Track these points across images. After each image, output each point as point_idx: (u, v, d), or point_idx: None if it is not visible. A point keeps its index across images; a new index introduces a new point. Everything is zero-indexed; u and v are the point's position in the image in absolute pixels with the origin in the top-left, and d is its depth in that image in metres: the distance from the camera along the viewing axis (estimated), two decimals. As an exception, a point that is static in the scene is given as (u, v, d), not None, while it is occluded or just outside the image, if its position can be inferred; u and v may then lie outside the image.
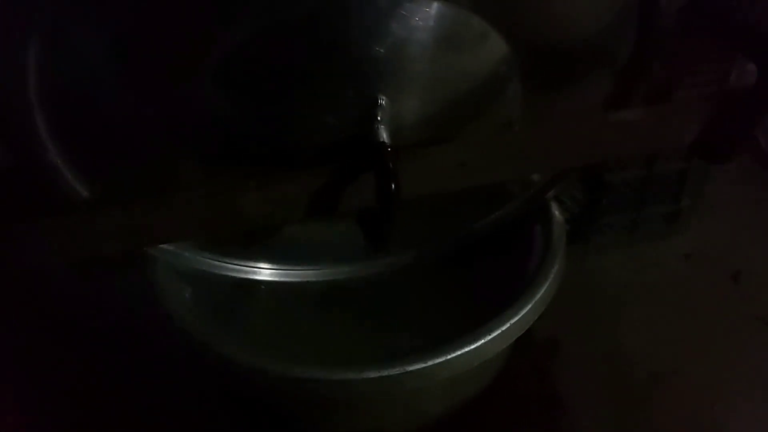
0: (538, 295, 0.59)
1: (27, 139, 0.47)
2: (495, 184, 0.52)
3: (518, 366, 0.89)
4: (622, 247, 1.05)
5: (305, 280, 0.70)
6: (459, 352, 0.53)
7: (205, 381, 0.70)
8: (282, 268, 0.69)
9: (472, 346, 0.54)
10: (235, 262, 0.67)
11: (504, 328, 0.55)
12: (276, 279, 0.69)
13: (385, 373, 0.52)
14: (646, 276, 1.03)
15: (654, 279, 1.04)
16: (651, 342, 0.91)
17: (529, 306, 0.57)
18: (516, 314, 0.56)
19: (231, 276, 0.67)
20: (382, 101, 0.46)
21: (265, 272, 0.69)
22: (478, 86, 0.50)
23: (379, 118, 0.46)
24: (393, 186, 0.44)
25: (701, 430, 0.82)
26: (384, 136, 0.46)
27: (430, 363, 0.53)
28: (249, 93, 0.47)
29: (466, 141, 0.49)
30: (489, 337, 0.54)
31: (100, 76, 0.46)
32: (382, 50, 0.45)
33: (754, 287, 0.98)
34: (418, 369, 0.52)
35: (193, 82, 0.47)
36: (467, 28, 0.46)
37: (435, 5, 0.44)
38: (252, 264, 0.68)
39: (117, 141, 0.51)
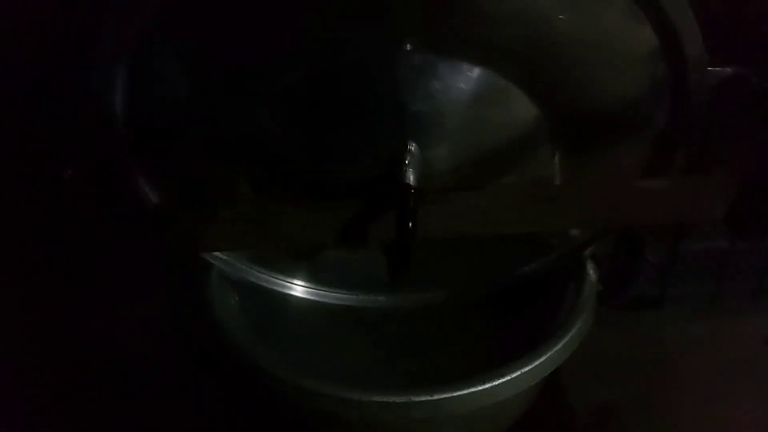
0: (553, 350, 0.60)
1: (112, 149, 0.56)
2: (517, 236, 0.55)
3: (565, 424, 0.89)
4: (700, 320, 1.01)
5: (343, 303, 0.75)
6: (465, 392, 0.56)
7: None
8: (323, 289, 0.75)
9: (478, 388, 0.56)
10: (280, 277, 0.73)
11: (513, 375, 0.57)
12: (316, 299, 0.74)
13: (391, 399, 0.55)
14: (721, 354, 1.00)
15: (728, 358, 1.01)
16: (711, 423, 0.87)
17: (542, 359, 0.59)
18: (527, 365, 0.58)
19: (275, 290, 0.73)
20: (412, 147, 0.51)
21: (307, 291, 0.74)
22: (508, 144, 0.54)
23: (407, 162, 0.50)
24: (410, 224, 0.48)
25: None
26: (411, 178, 0.50)
27: (435, 397, 0.56)
28: (297, 126, 0.54)
29: (488, 191, 0.52)
30: (496, 382, 0.56)
31: (177, 100, 0.54)
32: (416, 103, 0.50)
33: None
34: (424, 400, 0.55)
35: (253, 110, 0.54)
36: (502, 93, 0.50)
37: (476, 71, 0.49)
38: (296, 281, 0.74)
39: (187, 156, 0.59)
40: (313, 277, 0.74)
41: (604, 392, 0.94)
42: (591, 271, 0.69)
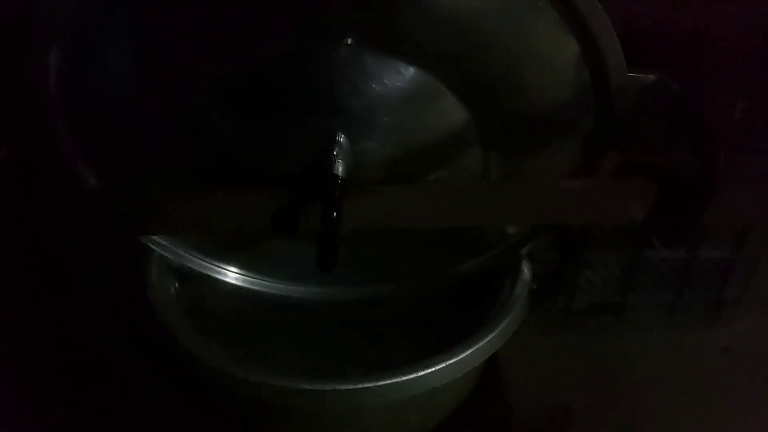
0: (479, 344, 0.62)
1: (48, 134, 0.56)
2: (447, 229, 0.56)
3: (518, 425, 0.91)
4: (659, 328, 1.04)
5: (278, 293, 0.76)
6: (387, 381, 0.58)
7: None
8: (260, 278, 0.75)
9: (401, 378, 0.58)
10: (219, 265, 0.73)
11: (439, 366, 0.59)
12: (253, 287, 0.75)
13: (331, 387, 0.57)
14: (677, 363, 1.02)
15: (684, 367, 1.03)
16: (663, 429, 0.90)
17: (468, 351, 0.61)
18: (454, 356, 0.60)
19: (213, 276, 0.73)
20: (341, 139, 0.52)
21: (244, 279, 0.75)
22: (437, 142, 0.56)
23: (335, 153, 0.52)
24: (334, 214, 0.49)
25: None
26: (339, 169, 0.51)
27: (359, 385, 0.57)
28: (231, 113, 0.55)
29: (416, 185, 0.54)
30: (421, 373, 0.58)
31: (114, 81, 0.55)
32: (349, 97, 0.51)
33: (792, 393, 0.94)
34: (346, 389, 0.57)
35: (189, 95, 0.54)
36: (433, 94, 0.52)
37: (410, 70, 0.51)
38: (234, 269, 0.74)
39: (123, 139, 0.59)
40: (250, 266, 0.74)
41: (560, 395, 0.96)
42: (525, 269, 0.71)
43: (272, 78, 0.51)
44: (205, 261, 0.72)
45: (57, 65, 0.51)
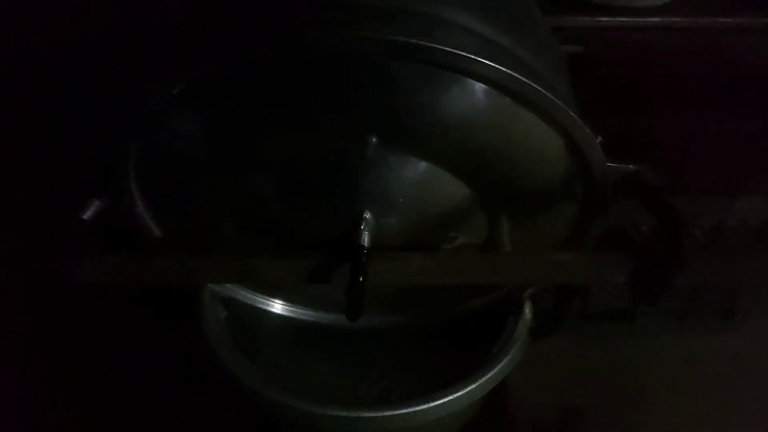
0: (483, 378, 0.72)
1: (125, 196, 0.68)
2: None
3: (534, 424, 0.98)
4: (670, 334, 1.12)
5: (317, 321, 0.87)
6: (406, 410, 0.68)
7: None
8: (300, 308, 0.87)
9: (418, 408, 0.69)
10: (263, 297, 0.85)
11: (444, 400, 0.69)
12: (293, 316, 0.86)
13: (343, 414, 0.68)
14: (688, 368, 1.09)
15: (694, 372, 1.10)
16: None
17: (473, 385, 0.71)
18: (460, 390, 0.70)
19: (258, 307, 0.85)
20: (367, 215, 0.64)
21: (286, 309, 0.86)
22: (447, 212, 0.67)
23: (362, 227, 0.63)
24: (361, 279, 0.60)
25: None
26: (365, 240, 0.62)
27: (380, 414, 0.68)
28: (281, 191, 0.66)
29: (427, 252, 0.65)
30: (429, 405, 0.69)
31: (184, 157, 0.66)
32: (373, 183, 0.63)
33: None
34: (370, 416, 0.68)
35: (248, 173, 0.66)
36: (440, 178, 0.63)
37: (421, 164, 0.62)
38: (276, 300, 0.86)
39: (188, 203, 0.71)
40: (290, 298, 0.85)
41: (571, 397, 1.04)
42: (527, 309, 0.80)
43: (313, 168, 0.63)
44: (249, 293, 0.84)
45: (137, 147, 0.63)
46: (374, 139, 0.59)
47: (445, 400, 0.69)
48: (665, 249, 0.59)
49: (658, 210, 0.60)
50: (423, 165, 0.62)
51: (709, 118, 0.94)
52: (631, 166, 0.62)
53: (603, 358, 1.09)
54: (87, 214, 0.68)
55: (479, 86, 0.56)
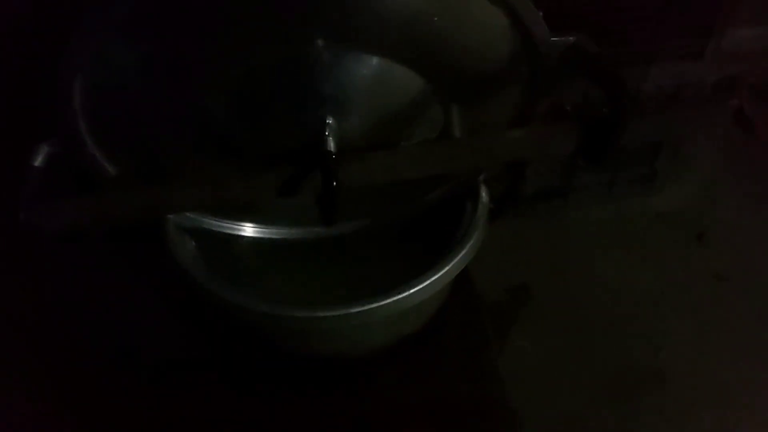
0: (452, 263, 0.76)
1: (72, 136, 0.65)
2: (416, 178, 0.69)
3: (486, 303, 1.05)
4: (600, 204, 1.16)
5: (283, 237, 0.89)
6: (386, 301, 0.72)
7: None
8: (265, 227, 0.88)
9: (393, 298, 0.73)
10: (227, 222, 0.85)
11: (418, 287, 0.73)
12: (260, 236, 0.88)
13: (331, 313, 0.72)
14: (618, 231, 1.14)
15: (624, 234, 1.16)
16: (614, 289, 1.03)
17: (444, 270, 0.75)
18: (432, 276, 0.75)
19: (224, 232, 0.86)
20: (330, 121, 0.64)
21: (251, 230, 0.88)
22: (405, 109, 0.68)
23: (326, 133, 0.64)
24: (334, 183, 0.62)
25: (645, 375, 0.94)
26: (331, 145, 0.63)
27: (367, 307, 0.72)
28: (236, 110, 0.66)
29: (394, 149, 0.67)
30: (406, 293, 0.73)
31: (129, 87, 0.64)
32: (330, 87, 0.63)
33: (715, 247, 1.10)
34: (357, 311, 0.72)
35: (198, 94, 0.64)
36: (395, 72, 0.64)
37: (374, 59, 0.62)
38: (242, 224, 0.87)
39: (140, 135, 0.69)
40: (257, 219, 0.87)
41: (519, 274, 1.10)
42: (483, 194, 0.84)
43: (268, 80, 0.62)
44: (215, 220, 0.84)
45: (80, 85, 0.61)
46: (321, 42, 0.59)
47: (430, 280, 0.73)
48: (609, 112, 0.63)
49: (600, 76, 0.64)
50: (376, 60, 0.62)
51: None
52: (570, 37, 0.65)
53: (541, 234, 1.14)
54: (38, 161, 0.65)
55: None
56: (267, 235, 0.88)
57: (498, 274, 1.07)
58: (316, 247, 0.90)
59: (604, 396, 0.91)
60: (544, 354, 0.95)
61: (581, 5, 0.75)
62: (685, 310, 1.01)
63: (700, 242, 1.13)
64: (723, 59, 1.26)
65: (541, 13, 0.61)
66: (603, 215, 1.16)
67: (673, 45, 1.17)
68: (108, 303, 0.97)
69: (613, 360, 0.94)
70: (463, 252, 0.77)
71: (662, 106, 1.24)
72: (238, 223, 0.86)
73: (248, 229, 0.87)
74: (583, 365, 0.94)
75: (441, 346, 0.96)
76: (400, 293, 0.72)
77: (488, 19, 0.61)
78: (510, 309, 1.04)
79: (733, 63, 1.25)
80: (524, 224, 1.13)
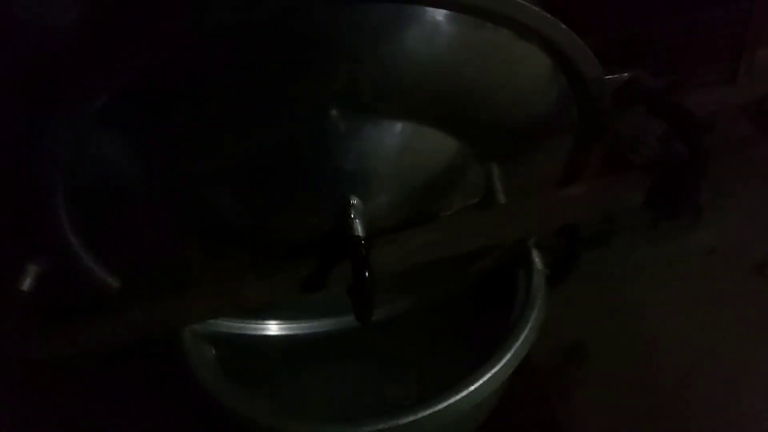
0: (512, 350, 0.65)
1: (62, 252, 0.57)
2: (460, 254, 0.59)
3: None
4: (646, 246, 1.08)
5: (313, 331, 0.78)
6: (443, 405, 0.61)
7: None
8: (292, 322, 0.78)
9: (447, 402, 0.61)
10: (250, 322, 0.75)
11: (476, 386, 0.62)
12: (287, 333, 0.78)
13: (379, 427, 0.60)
14: (669, 273, 1.06)
15: (676, 275, 1.07)
16: (674, 337, 0.95)
17: (503, 362, 0.64)
18: (489, 371, 0.63)
19: (247, 334, 0.75)
20: (354, 201, 0.55)
21: (276, 327, 0.77)
22: (439, 173, 0.59)
23: (352, 215, 0.54)
24: (366, 273, 0.52)
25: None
26: (359, 229, 0.54)
27: (409, 419, 0.60)
28: (246, 196, 0.57)
29: (429, 224, 0.57)
30: (462, 395, 0.61)
31: (120, 185, 0.56)
32: (351, 162, 0.54)
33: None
34: (408, 422, 0.60)
35: (203, 188, 0.56)
36: (423, 136, 0.55)
37: (397, 125, 0.53)
38: (266, 322, 0.77)
39: (140, 238, 0.61)
40: (285, 315, 0.76)
41: (573, 332, 1.00)
42: (537, 259, 0.73)
43: (278, 162, 0.54)
44: (236, 322, 0.74)
45: (62, 188, 0.52)
46: (334, 112, 0.50)
47: (486, 378, 0.62)
48: (685, 154, 0.53)
49: (667, 114, 0.54)
50: (400, 126, 0.53)
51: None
52: (625, 74, 0.55)
53: (588, 285, 1.03)
54: (25, 284, 0.57)
55: (438, 13, 0.47)
56: (294, 331, 0.78)
57: (548, 334, 0.98)
58: (350, 337, 0.79)
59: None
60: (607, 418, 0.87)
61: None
62: (756, 354, 0.92)
63: (761, 275, 1.03)
64: (756, 80, 1.19)
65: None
66: (650, 257, 1.08)
67: (703, 71, 1.11)
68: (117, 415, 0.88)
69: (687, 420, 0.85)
70: (523, 335, 0.66)
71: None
72: (262, 322, 0.76)
73: (273, 327, 0.77)
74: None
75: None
76: (450, 398, 0.61)
77: (527, 61, 0.52)
78: (566, 371, 0.96)
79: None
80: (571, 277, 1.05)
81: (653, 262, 1.07)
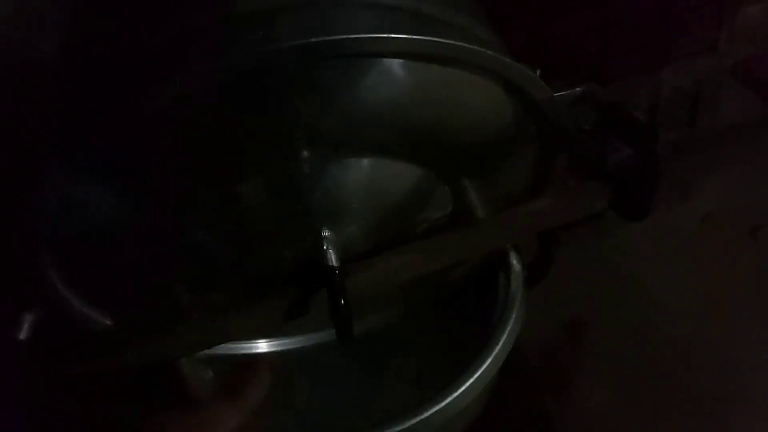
0: (497, 348, 0.66)
1: (53, 300, 0.60)
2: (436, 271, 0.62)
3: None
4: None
5: (302, 345, 0.81)
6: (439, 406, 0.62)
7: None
8: (281, 339, 0.80)
9: (442, 404, 0.62)
10: (242, 343, 0.78)
11: (460, 391, 0.63)
12: (276, 349, 0.80)
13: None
14: (665, 241, 1.08)
15: (672, 243, 1.09)
16: (673, 307, 0.98)
17: (489, 360, 0.65)
18: (471, 377, 0.64)
19: (240, 354, 0.78)
20: (326, 233, 0.57)
21: (266, 345, 0.80)
22: (407, 199, 0.61)
23: (325, 247, 0.57)
24: (342, 301, 0.54)
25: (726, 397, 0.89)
26: (332, 258, 0.56)
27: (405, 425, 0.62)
28: (228, 238, 0.60)
29: (401, 248, 0.59)
30: (446, 401, 0.62)
31: (105, 232, 0.58)
32: (319, 197, 0.56)
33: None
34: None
35: (182, 224, 0.58)
36: (389, 169, 0.58)
37: (364, 161, 0.56)
38: (256, 342, 0.79)
39: (128, 278, 0.63)
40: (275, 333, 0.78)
41: (572, 310, 1.03)
42: (514, 261, 0.74)
43: (250, 203, 0.56)
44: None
45: (49, 239, 0.55)
46: (306, 153, 0.53)
47: (473, 378, 0.63)
48: (640, 165, 0.55)
49: (621, 127, 0.56)
50: (365, 161, 0.56)
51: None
52: (577, 89, 0.58)
53: (585, 260, 1.07)
54: (23, 334, 0.60)
55: (397, 62, 0.50)
56: (284, 347, 0.80)
57: (548, 312, 1.00)
58: (336, 349, 0.81)
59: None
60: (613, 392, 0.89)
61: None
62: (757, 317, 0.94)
63: (755, 238, 1.06)
64: (737, 45, 1.20)
65: (538, 72, 0.54)
66: (646, 227, 1.08)
67: (684, 42, 1.12)
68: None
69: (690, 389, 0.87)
70: (502, 340, 0.67)
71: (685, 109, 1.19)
72: (253, 342, 0.79)
73: (263, 345, 0.80)
74: (657, 399, 0.87)
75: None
76: (433, 406, 0.61)
77: (478, 92, 0.55)
78: (563, 350, 0.98)
79: (748, 45, 1.20)
80: (564, 251, 1.05)
81: (648, 232, 1.07)
